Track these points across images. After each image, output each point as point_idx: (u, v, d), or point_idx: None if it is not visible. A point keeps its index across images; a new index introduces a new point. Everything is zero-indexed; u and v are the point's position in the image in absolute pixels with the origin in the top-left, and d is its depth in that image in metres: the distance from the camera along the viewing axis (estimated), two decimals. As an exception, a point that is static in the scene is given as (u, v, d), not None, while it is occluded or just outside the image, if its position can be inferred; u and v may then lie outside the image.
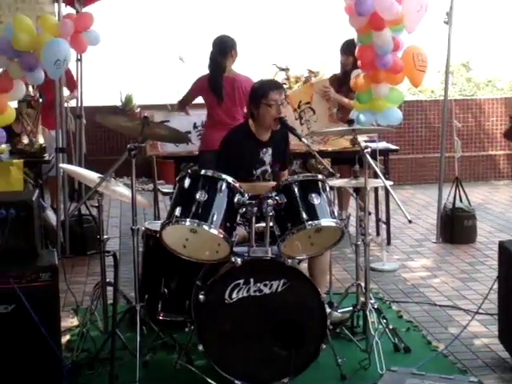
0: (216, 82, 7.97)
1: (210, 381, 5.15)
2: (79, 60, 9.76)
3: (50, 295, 4.94)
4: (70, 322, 6.43)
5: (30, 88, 8.45)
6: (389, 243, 8.89)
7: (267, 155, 6.12)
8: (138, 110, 12.52)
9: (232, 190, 5.28)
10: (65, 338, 5.93)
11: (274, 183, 5.97)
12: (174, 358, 5.38)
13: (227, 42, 8.17)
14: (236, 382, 5.09)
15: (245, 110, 7.34)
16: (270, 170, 6.15)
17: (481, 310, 6.05)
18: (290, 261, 5.23)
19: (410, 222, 5.67)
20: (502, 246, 5.62)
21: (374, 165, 5.84)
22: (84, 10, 9.79)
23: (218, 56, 8.08)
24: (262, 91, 5.99)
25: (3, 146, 7.89)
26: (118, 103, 13.31)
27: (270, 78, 6.52)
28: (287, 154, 6.46)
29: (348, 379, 5.28)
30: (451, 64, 8.90)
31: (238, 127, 6.49)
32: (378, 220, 9.15)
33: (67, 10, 9.26)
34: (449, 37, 8.66)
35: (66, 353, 5.60)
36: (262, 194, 5.39)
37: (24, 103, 8.38)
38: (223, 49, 8.09)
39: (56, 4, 8.42)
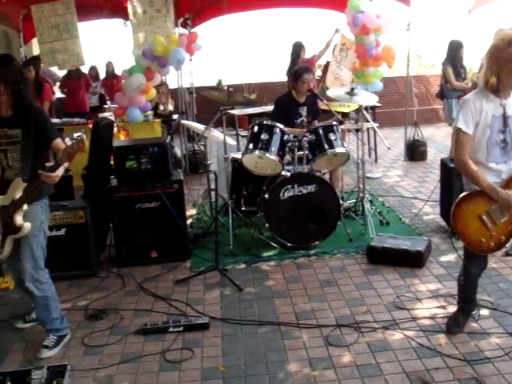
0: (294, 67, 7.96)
1: (272, 244, 5.18)
2: (191, 60, 9.59)
3: (179, 196, 4.97)
4: (191, 211, 6.44)
5: (163, 77, 8.43)
6: (376, 161, 8.71)
7: (303, 111, 5.90)
8: (226, 87, 12.38)
9: (282, 132, 5.20)
10: (188, 221, 5.94)
11: (303, 129, 5.72)
12: (251, 231, 5.38)
13: (300, 43, 8.77)
14: (288, 244, 5.10)
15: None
16: (305, 120, 5.91)
17: (430, 199, 5.97)
18: (318, 173, 5.15)
19: (388, 148, 5.57)
20: (442, 162, 5.55)
21: (366, 114, 5.70)
22: (192, 30, 9.75)
23: (296, 48, 8.72)
24: (299, 73, 5.80)
25: (149, 111, 7.93)
26: (214, 84, 13.23)
27: (305, 65, 6.30)
28: (318, 110, 6.22)
29: (353, 241, 5.25)
30: (410, 54, 8.65)
31: (285, 94, 6.19)
32: (369, 148, 8.97)
33: (183, 30, 9.40)
34: (409, 39, 8.35)
35: (189, 229, 5.65)
36: (298, 134, 5.31)
37: (160, 86, 8.39)
38: (298, 47, 8.71)
39: (176, 28, 8.71)
